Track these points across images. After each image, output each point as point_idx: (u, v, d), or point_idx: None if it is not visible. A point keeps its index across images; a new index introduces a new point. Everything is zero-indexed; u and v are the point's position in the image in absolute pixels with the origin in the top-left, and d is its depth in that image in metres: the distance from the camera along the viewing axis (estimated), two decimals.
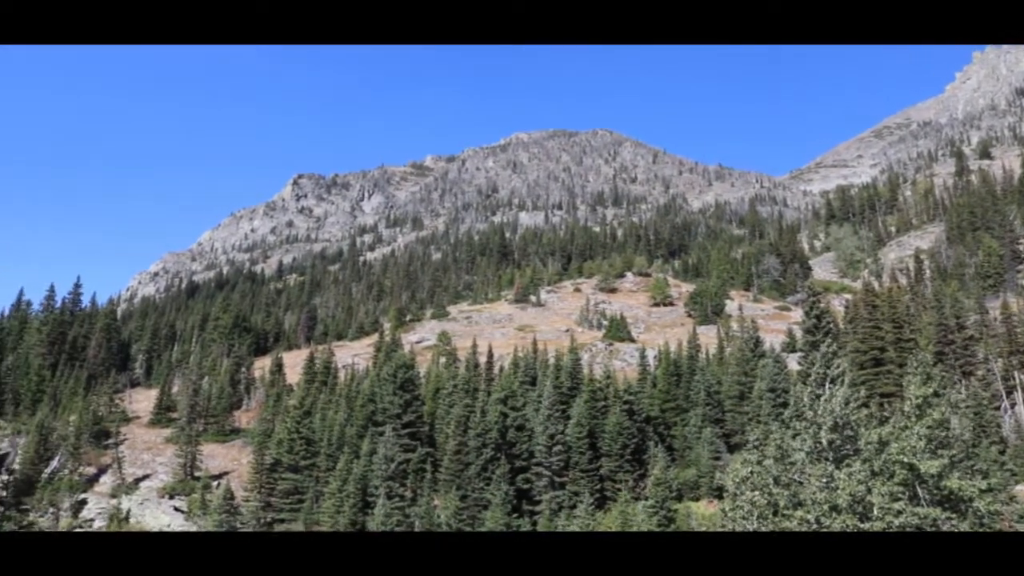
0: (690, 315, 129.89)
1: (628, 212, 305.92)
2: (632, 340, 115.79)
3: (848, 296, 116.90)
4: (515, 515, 51.79)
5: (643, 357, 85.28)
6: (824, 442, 24.04)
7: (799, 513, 22.27)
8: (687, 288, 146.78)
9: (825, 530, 19.79)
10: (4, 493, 34.65)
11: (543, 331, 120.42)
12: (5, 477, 43.32)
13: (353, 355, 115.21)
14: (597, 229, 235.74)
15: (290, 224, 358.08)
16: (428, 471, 60.40)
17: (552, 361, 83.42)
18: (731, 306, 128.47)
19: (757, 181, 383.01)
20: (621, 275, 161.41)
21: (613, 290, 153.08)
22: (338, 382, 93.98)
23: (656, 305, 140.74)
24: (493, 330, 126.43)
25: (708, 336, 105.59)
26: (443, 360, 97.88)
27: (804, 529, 20.73)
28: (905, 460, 22.05)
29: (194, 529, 67.98)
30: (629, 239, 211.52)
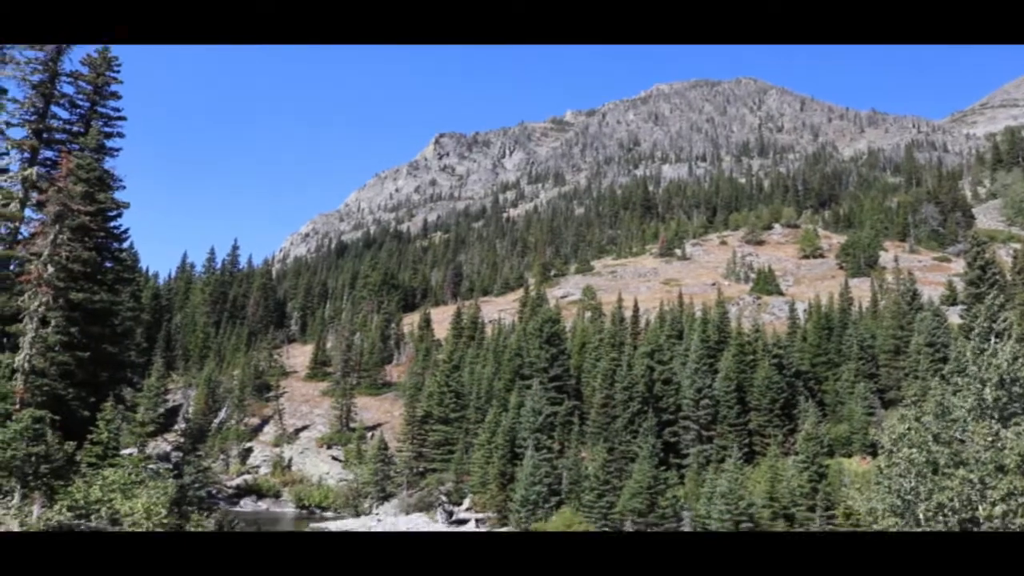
0: (841, 267, 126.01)
1: (775, 162, 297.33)
2: (781, 293, 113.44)
3: (1016, 246, 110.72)
4: (662, 468, 52.11)
5: (792, 310, 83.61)
6: (989, 399, 23.37)
7: (961, 472, 21.79)
8: (838, 240, 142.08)
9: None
10: (183, 439, 37.72)
11: (689, 285, 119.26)
12: (182, 425, 47.07)
13: (499, 310, 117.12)
14: (743, 180, 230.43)
15: (433, 183, 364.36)
16: (575, 424, 61.38)
17: (699, 315, 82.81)
18: (885, 258, 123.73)
19: (914, 126, 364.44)
20: (768, 227, 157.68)
21: (760, 242, 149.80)
22: (485, 337, 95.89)
23: (805, 257, 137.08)
24: (638, 284, 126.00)
25: (861, 289, 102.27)
26: (588, 314, 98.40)
27: (967, 490, 20.29)
28: None
29: (351, 477, 71.38)
30: (776, 190, 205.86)
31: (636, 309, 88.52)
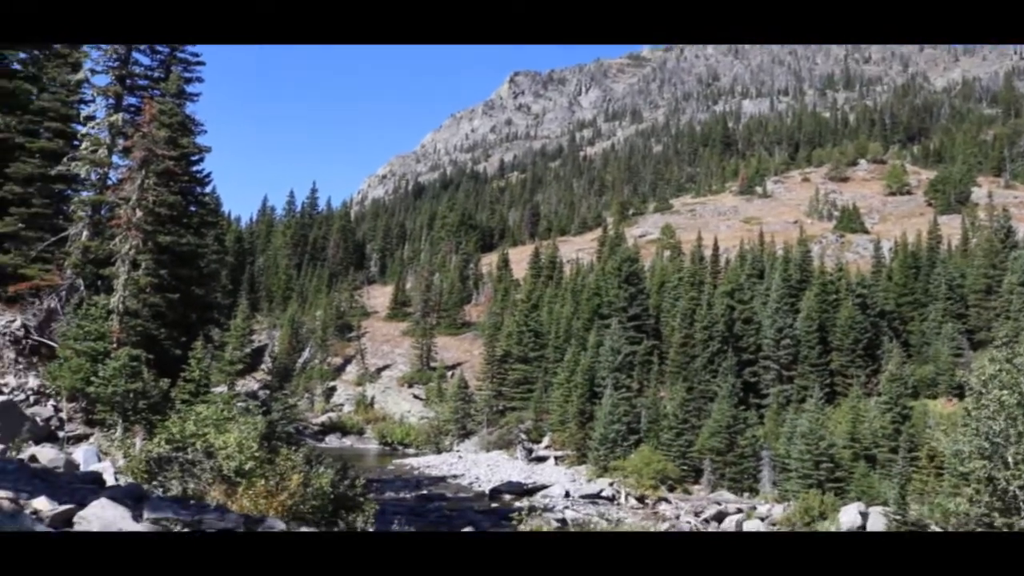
0: (930, 204, 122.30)
1: (861, 95, 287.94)
2: (865, 231, 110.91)
3: None
4: (741, 408, 51.96)
5: (877, 249, 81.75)
6: None
7: None
8: (927, 175, 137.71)
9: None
10: (270, 378, 39.09)
11: (770, 223, 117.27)
12: (269, 364, 48.76)
13: (577, 250, 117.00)
14: (827, 115, 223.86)
15: (509, 122, 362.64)
16: (654, 363, 61.42)
17: (780, 254, 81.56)
18: (978, 194, 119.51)
19: (1016, 52, 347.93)
20: (853, 163, 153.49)
21: (844, 179, 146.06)
22: (563, 276, 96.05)
23: (892, 194, 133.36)
24: (718, 222, 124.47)
25: (950, 226, 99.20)
26: (667, 253, 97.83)
27: None
28: None
29: (432, 415, 72.75)
30: (862, 124, 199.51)
31: (716, 248, 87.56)
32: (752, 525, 39.83)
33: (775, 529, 39.06)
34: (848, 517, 37.47)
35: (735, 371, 55.23)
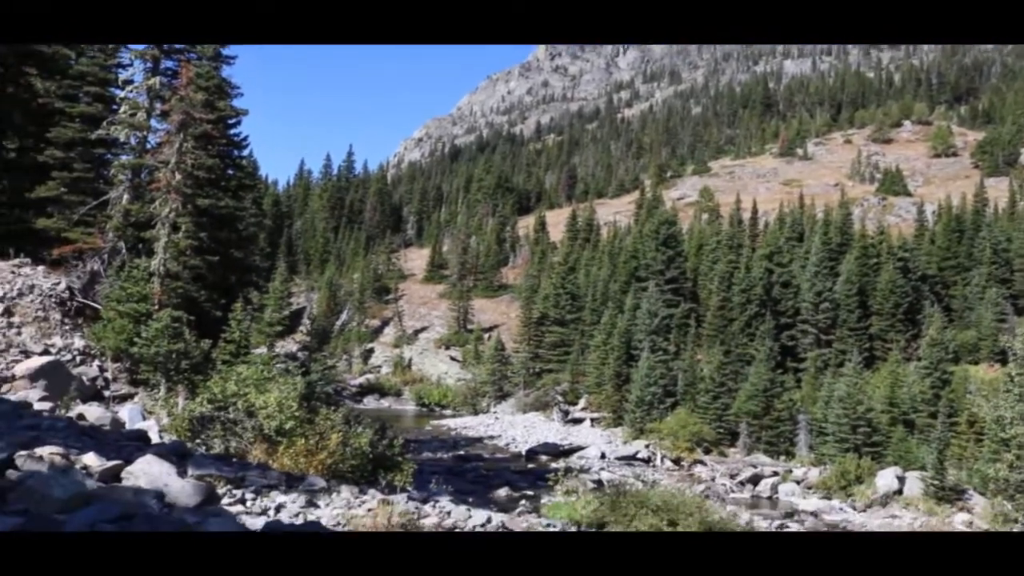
0: (977, 167, 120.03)
1: (907, 54, 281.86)
2: (908, 194, 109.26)
3: None
4: (779, 371, 51.73)
5: (920, 212, 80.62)
6: None
7: None
8: (974, 137, 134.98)
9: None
10: (309, 339, 39.62)
11: (810, 185, 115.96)
12: (307, 325, 49.31)
13: (614, 212, 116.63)
14: (871, 75, 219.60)
15: (545, 84, 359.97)
16: (691, 326, 61.25)
17: (820, 216, 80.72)
18: None
19: None
20: (897, 124, 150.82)
21: (888, 141, 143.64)
22: (600, 239, 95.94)
23: (937, 156, 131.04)
24: (757, 185, 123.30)
25: (998, 189, 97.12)
26: (705, 216, 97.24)
27: None
28: None
29: (469, 376, 73.29)
30: (907, 84, 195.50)
31: (755, 211, 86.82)
32: (788, 488, 39.90)
33: (804, 501, 39.13)
34: (885, 481, 37.39)
35: (772, 335, 54.95)
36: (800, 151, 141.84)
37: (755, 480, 41.48)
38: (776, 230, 78.77)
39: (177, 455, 13.24)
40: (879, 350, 57.62)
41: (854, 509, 35.87)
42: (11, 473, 8.51)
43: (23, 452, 9.28)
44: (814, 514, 34.96)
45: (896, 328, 58.56)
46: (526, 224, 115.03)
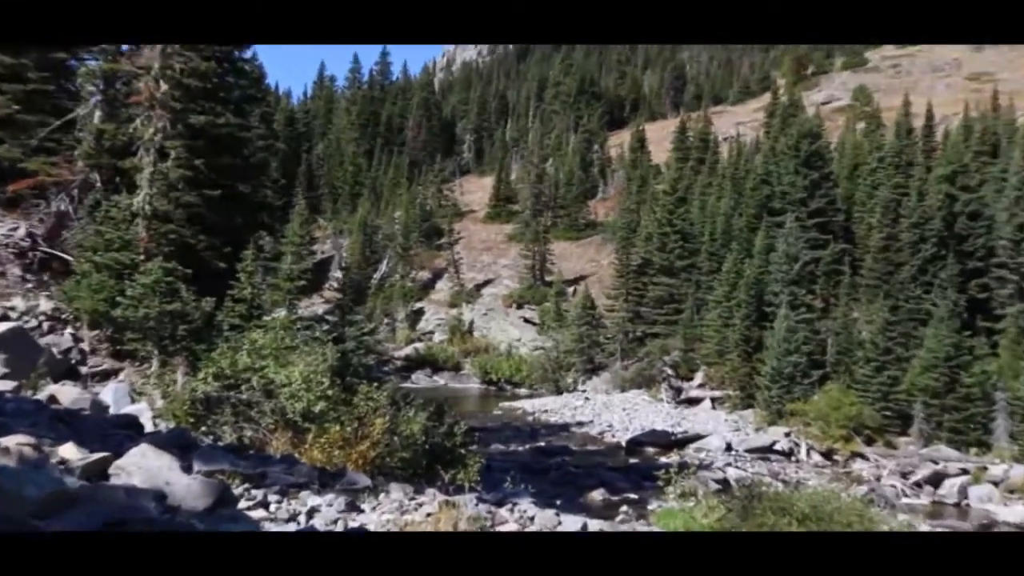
0: None
1: None
2: None
3: None
4: (966, 333, 50.83)
5: None
6: None
7: None
8: None
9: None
10: (341, 296, 39.43)
11: (1007, 81, 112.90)
12: (338, 278, 48.59)
13: (737, 123, 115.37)
14: None
15: None
16: (844, 273, 60.37)
17: (1021, 122, 78.59)
18: None
19: None
20: None
21: None
22: (719, 159, 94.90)
23: None
24: (933, 81, 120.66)
25: None
26: (861, 126, 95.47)
27: None
28: None
29: (549, 344, 73.50)
30: None
31: (930, 116, 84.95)
32: (981, 491, 39.23)
33: (1005, 509, 38.54)
34: None
35: (957, 284, 53.91)
36: None
37: (936, 480, 40.87)
38: (960, 142, 77.03)
39: (179, 446, 13.42)
40: None
41: None
42: None
43: None
44: (1021, 527, 34.31)
45: None
46: (619, 142, 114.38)
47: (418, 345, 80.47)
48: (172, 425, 17.78)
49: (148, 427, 17.18)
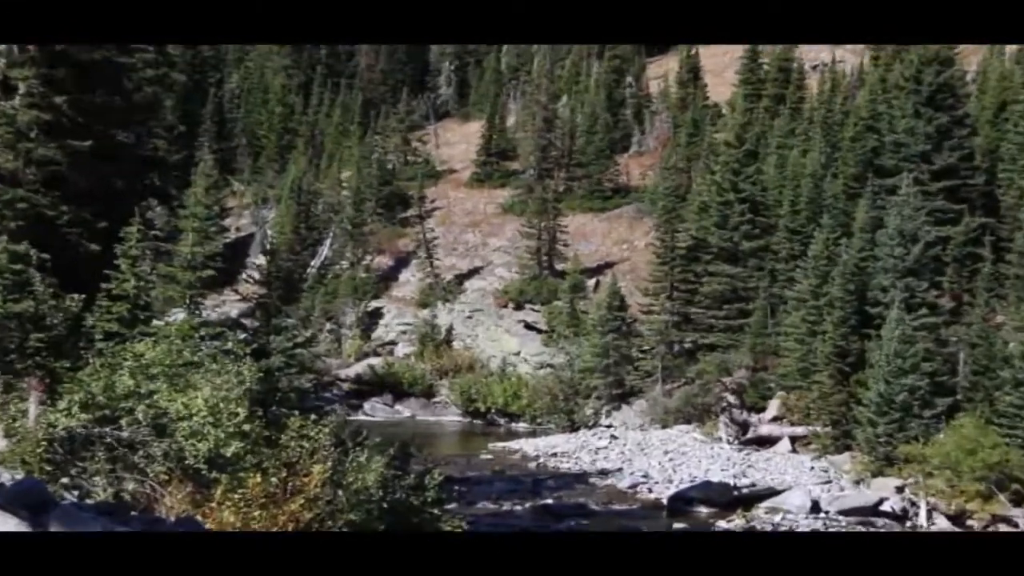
0: None
1: None
2: None
3: None
4: None
5: None
6: None
7: None
8: None
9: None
10: (263, 292, 38.74)
11: None
12: (262, 262, 47.10)
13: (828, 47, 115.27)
14: None
15: None
16: (985, 260, 60.31)
17: None
18: None
19: None
20: None
21: None
22: (805, 95, 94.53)
23: None
24: None
25: None
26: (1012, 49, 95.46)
27: None
28: None
29: (560, 360, 73.39)
30: None
31: None
32: None
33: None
34: None
35: None
36: None
37: None
38: None
39: (28, 505, 13.36)
40: None
41: None
42: None
43: None
44: None
45: None
46: (661, 71, 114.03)
47: (374, 361, 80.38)
48: (20, 475, 17.73)
49: None
